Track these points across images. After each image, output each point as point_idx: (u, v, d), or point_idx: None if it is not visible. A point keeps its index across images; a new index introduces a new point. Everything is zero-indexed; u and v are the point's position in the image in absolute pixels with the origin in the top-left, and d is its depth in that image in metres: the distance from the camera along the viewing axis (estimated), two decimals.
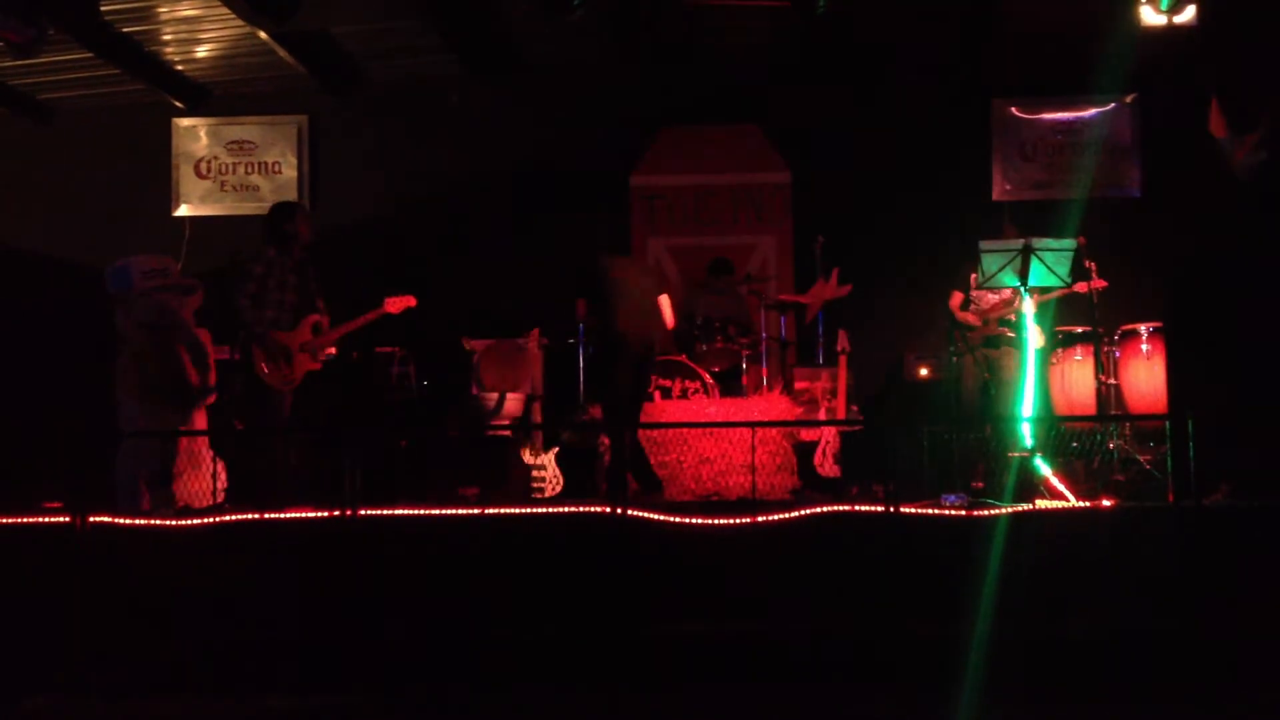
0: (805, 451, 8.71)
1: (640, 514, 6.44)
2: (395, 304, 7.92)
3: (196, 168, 11.02)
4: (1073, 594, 6.00)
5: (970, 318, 7.83)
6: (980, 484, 7.31)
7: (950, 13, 9.78)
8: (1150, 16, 8.42)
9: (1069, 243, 7.20)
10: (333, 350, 8.27)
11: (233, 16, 9.19)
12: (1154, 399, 8.24)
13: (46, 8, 8.57)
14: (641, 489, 7.67)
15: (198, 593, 6.37)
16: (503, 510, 6.68)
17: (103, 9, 9.09)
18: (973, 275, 7.94)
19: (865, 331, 9.39)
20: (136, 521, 6.70)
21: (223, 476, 7.66)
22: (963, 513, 6.37)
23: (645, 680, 6.05)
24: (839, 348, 9.05)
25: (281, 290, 7.60)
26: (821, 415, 9.08)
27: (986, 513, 6.30)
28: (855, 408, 9.19)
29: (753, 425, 7.83)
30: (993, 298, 8.10)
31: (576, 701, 5.95)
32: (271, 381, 7.54)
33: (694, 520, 6.38)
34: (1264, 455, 6.63)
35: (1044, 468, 6.94)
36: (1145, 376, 8.41)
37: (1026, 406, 7.24)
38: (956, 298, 7.94)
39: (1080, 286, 7.73)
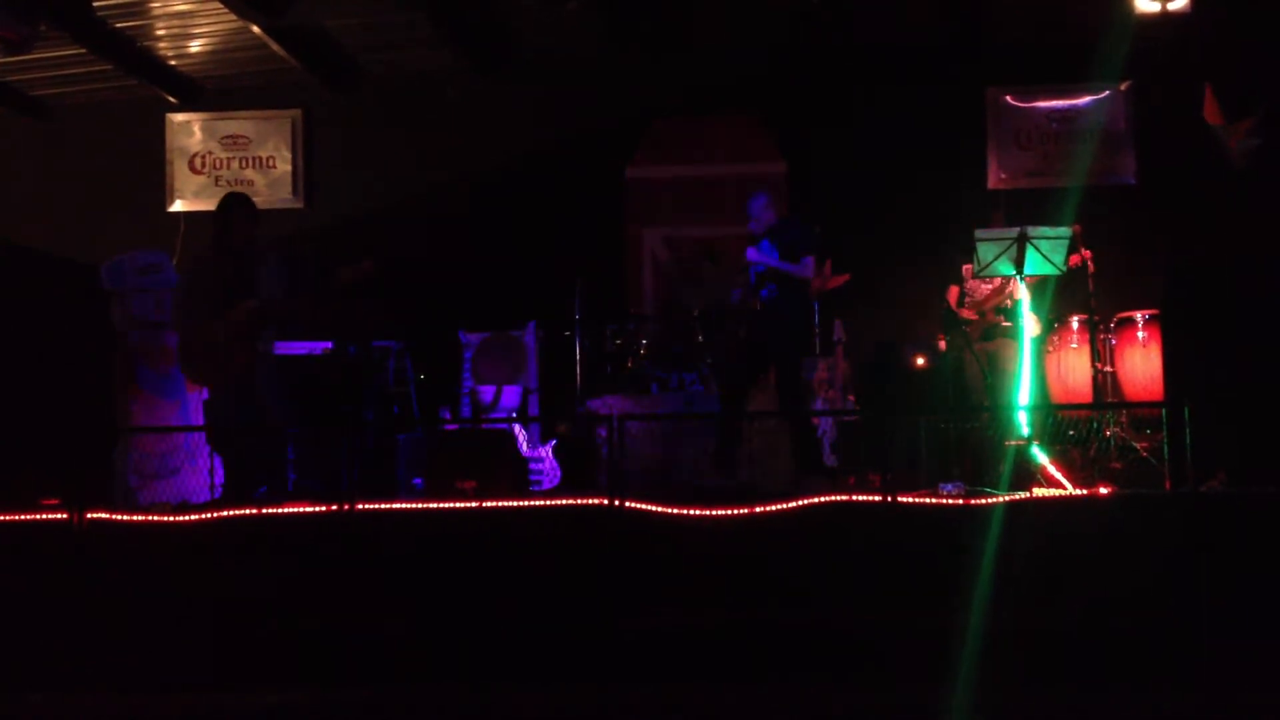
0: None
1: (638, 506, 6.44)
2: (348, 273, 7.35)
3: (190, 163, 11.02)
4: (1069, 582, 6.01)
5: (967, 312, 7.81)
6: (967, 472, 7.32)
7: (945, 1, 9.77)
8: (1144, 4, 8.42)
9: (1064, 230, 7.20)
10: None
11: (226, 11, 9.19)
12: (1150, 386, 8.25)
13: (40, 4, 8.55)
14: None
15: (196, 588, 6.37)
16: (500, 503, 6.68)
17: (95, 5, 9.09)
18: (965, 267, 7.93)
19: (862, 321, 9.39)
20: (134, 518, 6.69)
21: (220, 472, 7.65)
22: (960, 502, 6.38)
23: (642, 674, 6.05)
24: (835, 338, 9.04)
25: (219, 285, 7.17)
26: (818, 405, 9.07)
27: (983, 501, 6.30)
28: (852, 397, 9.19)
29: (750, 416, 7.84)
30: (985, 288, 8.11)
31: (573, 696, 5.95)
32: (208, 381, 7.33)
33: (691, 511, 6.39)
34: (1261, 442, 6.64)
35: (1041, 456, 6.95)
36: (1142, 364, 8.42)
37: (1023, 394, 7.24)
38: (953, 292, 7.93)
39: (1073, 260, 7.70)
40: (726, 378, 8.05)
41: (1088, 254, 7.94)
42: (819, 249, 7.87)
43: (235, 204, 7.44)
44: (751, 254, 7.73)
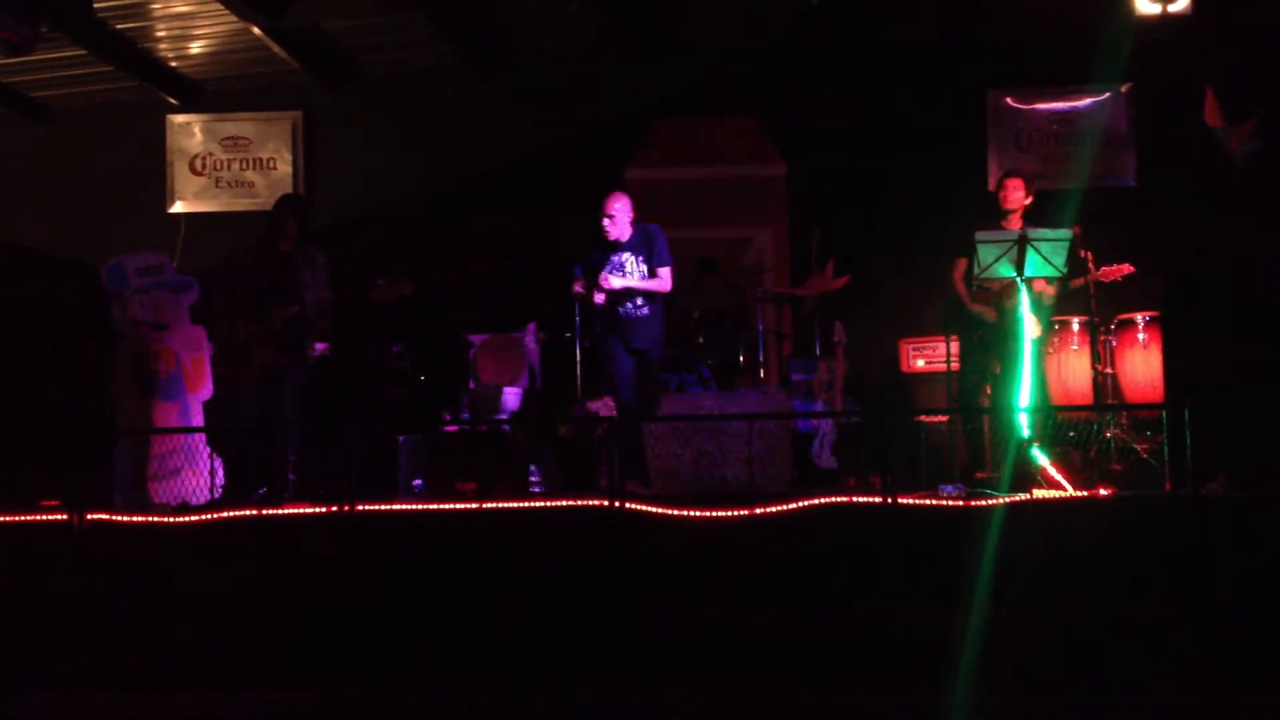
0: (802, 443, 8.71)
1: (638, 507, 6.44)
2: (382, 291, 7.52)
3: (191, 164, 11.02)
4: (1070, 584, 6.00)
5: (984, 310, 7.64)
6: (982, 474, 7.29)
7: (945, 3, 9.78)
8: (1145, 5, 8.43)
9: (1065, 233, 7.18)
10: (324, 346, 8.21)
11: (226, 12, 9.20)
12: (1151, 388, 8.25)
13: (41, 5, 8.56)
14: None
15: (196, 589, 6.37)
16: (501, 505, 6.68)
17: (96, 6, 9.10)
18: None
19: (862, 323, 9.39)
20: (134, 519, 6.69)
21: (220, 473, 7.66)
22: (960, 503, 6.38)
23: (642, 674, 6.05)
24: (836, 340, 9.04)
25: (252, 283, 7.30)
26: (819, 407, 9.08)
27: (983, 503, 6.30)
28: (852, 399, 9.19)
29: (750, 417, 7.84)
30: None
31: (574, 696, 5.95)
32: (236, 381, 7.37)
33: (692, 513, 6.39)
34: (1261, 444, 6.64)
35: (1041, 457, 6.94)
36: (1142, 366, 8.42)
37: (1024, 396, 7.22)
38: (962, 265, 7.72)
39: (1106, 273, 7.66)
40: (618, 391, 7.85)
41: (1088, 254, 7.86)
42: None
43: (283, 207, 7.49)
44: (608, 282, 7.51)
